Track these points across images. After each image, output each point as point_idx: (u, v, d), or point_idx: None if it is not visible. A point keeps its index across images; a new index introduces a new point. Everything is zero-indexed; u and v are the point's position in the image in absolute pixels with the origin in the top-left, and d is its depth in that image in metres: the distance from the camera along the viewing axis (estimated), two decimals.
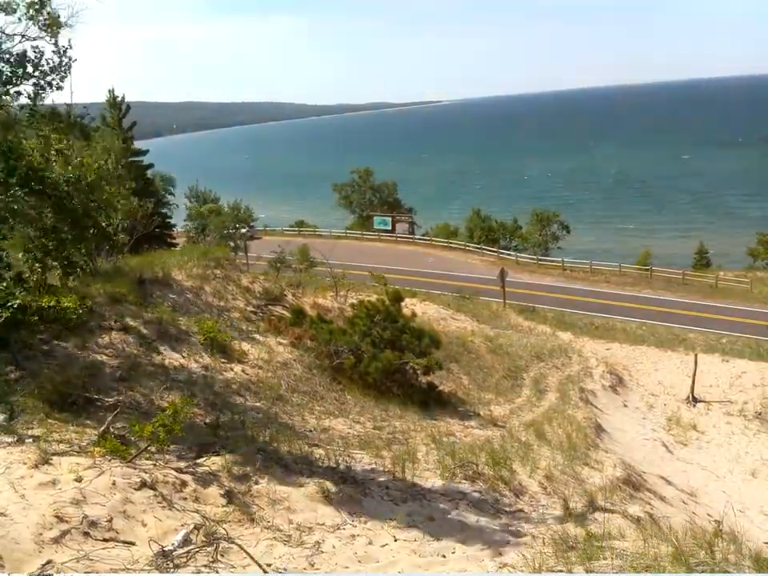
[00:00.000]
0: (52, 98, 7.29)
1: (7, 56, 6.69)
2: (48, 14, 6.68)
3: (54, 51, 6.83)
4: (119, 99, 34.17)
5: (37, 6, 6.61)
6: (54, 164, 7.07)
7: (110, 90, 34.14)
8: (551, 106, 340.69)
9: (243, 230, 39.32)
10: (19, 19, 6.61)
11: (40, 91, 6.93)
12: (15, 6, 6.57)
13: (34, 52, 6.78)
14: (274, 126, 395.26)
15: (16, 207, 6.78)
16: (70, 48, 6.94)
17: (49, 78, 6.88)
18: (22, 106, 7.17)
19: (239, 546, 3.97)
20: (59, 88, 7.01)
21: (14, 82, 6.77)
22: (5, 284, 6.90)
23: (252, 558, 3.86)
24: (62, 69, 6.90)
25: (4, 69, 6.67)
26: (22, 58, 6.71)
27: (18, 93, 6.92)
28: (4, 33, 6.68)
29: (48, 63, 6.84)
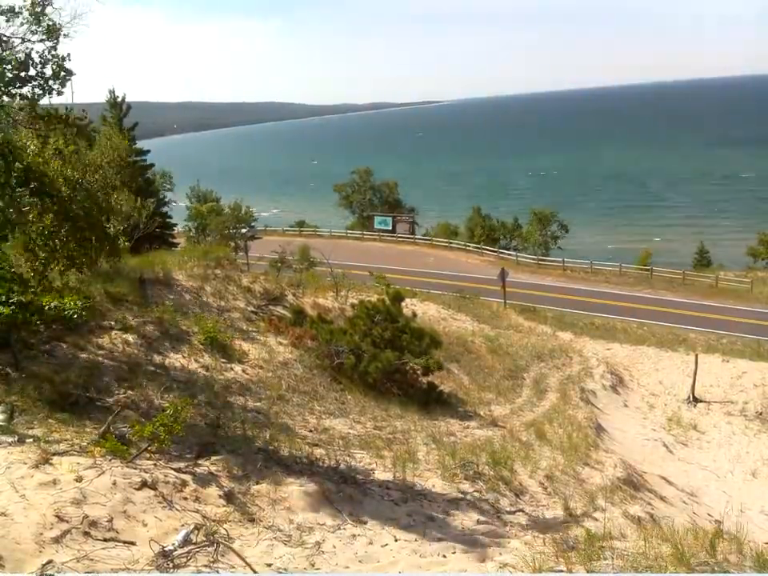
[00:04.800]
0: (51, 99, 7.28)
1: (9, 59, 6.68)
2: (49, 19, 6.67)
3: (53, 57, 6.81)
4: (119, 99, 34.14)
5: (39, 10, 6.60)
6: (52, 164, 7.07)
7: (110, 90, 34.11)
8: (552, 106, 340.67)
9: (244, 230, 39.30)
10: (21, 23, 6.60)
11: (40, 94, 6.92)
12: (18, 11, 6.56)
13: (37, 55, 6.78)
14: (274, 126, 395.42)
15: (15, 208, 6.78)
16: (69, 60, 6.94)
17: (50, 83, 6.88)
18: (21, 107, 7.16)
19: (233, 549, 3.95)
20: (59, 93, 7.00)
21: (17, 84, 6.76)
22: (5, 282, 6.90)
23: (245, 561, 3.84)
24: (62, 77, 6.89)
25: (5, 71, 6.66)
26: (26, 61, 6.70)
27: (21, 95, 6.91)
28: (5, 36, 6.68)
29: (49, 67, 6.83)
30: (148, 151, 35.38)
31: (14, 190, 6.71)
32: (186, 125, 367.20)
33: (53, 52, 6.83)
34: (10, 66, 6.62)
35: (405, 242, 49.33)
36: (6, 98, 6.87)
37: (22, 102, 7.04)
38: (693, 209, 75.26)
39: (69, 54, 6.94)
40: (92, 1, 7.12)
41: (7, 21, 6.56)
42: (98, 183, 7.81)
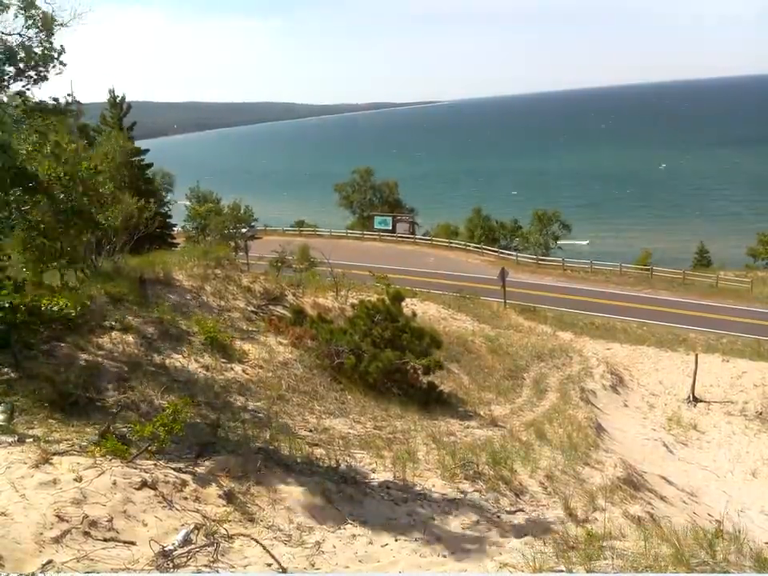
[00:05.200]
0: (44, 94, 7.30)
1: (1, 54, 6.68)
2: (42, 13, 6.67)
3: (46, 50, 6.81)
4: (119, 99, 34.17)
5: (30, 5, 6.60)
6: (44, 161, 7.06)
7: (110, 90, 34.14)
8: (552, 106, 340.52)
9: (244, 230, 39.27)
10: (15, 16, 6.60)
11: (32, 85, 6.92)
12: (8, 3, 6.56)
13: (30, 50, 6.77)
14: (275, 126, 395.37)
15: (14, 205, 6.78)
16: (64, 52, 6.94)
17: (41, 72, 6.88)
18: (15, 102, 7.16)
19: (256, 540, 4.00)
20: (45, 78, 7.00)
21: (8, 80, 6.76)
22: (6, 282, 6.89)
23: (270, 552, 3.89)
24: (54, 63, 6.89)
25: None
26: (14, 52, 6.69)
27: (23, 87, 6.91)
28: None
29: (42, 62, 6.83)
30: (147, 150, 35.40)
31: (8, 187, 6.71)
32: (186, 125, 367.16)
33: (44, 44, 6.83)
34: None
35: (405, 242, 49.32)
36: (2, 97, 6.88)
37: (15, 96, 7.04)
38: (693, 208, 75.26)
39: (62, 46, 6.94)
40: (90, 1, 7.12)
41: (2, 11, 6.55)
42: (95, 181, 7.80)
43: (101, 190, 8.15)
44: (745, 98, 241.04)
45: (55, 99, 7.55)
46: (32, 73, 6.84)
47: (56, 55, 6.88)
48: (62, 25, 6.70)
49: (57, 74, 6.96)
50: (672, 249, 54.17)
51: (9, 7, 6.54)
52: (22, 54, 6.71)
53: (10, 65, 6.68)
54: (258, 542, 4.12)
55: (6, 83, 6.76)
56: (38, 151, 7.00)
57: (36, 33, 6.67)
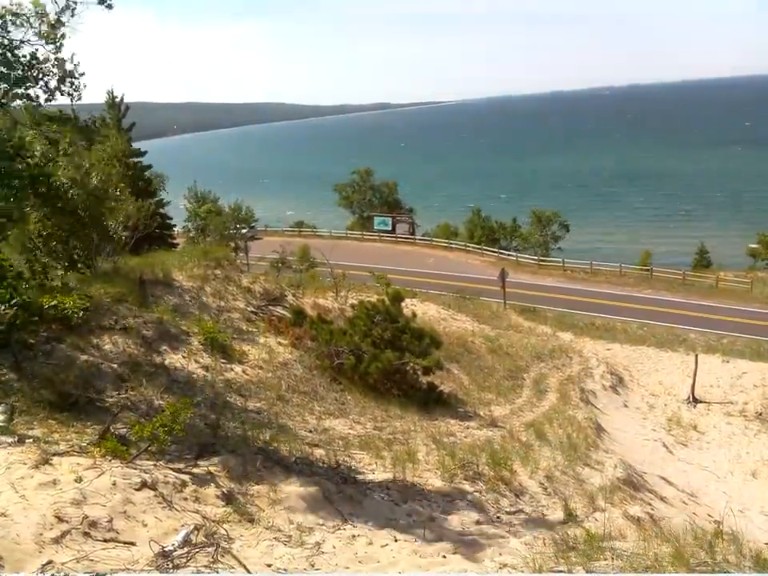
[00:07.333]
0: (55, 100, 7.28)
1: (13, 60, 6.68)
2: (51, 23, 6.67)
3: (55, 58, 6.82)
4: (118, 99, 34.09)
5: (42, 15, 6.59)
6: (59, 167, 7.07)
7: (108, 91, 34.03)
8: (552, 107, 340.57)
9: (244, 231, 39.30)
10: (22, 24, 6.60)
11: (46, 98, 6.93)
12: (21, 12, 6.56)
13: (39, 58, 6.78)
14: (274, 127, 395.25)
15: (18, 208, 6.79)
16: (72, 62, 6.94)
17: (56, 84, 6.88)
18: (26, 108, 7.17)
19: (232, 555, 3.96)
20: (70, 95, 7.00)
21: (20, 84, 6.77)
22: (6, 282, 6.89)
23: (242, 564, 3.85)
24: (72, 77, 6.89)
25: (10, 73, 6.66)
26: (30, 63, 6.70)
27: (27, 96, 6.91)
28: (7, 38, 6.67)
29: (54, 70, 6.84)
30: (146, 152, 35.35)
31: (18, 191, 6.72)
32: (186, 125, 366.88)
33: (57, 54, 6.82)
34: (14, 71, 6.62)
35: (404, 243, 49.32)
36: (8, 101, 6.87)
37: (27, 103, 7.04)
38: (693, 208, 75.27)
39: (73, 56, 6.94)
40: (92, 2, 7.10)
41: (13, 24, 6.55)
42: (101, 183, 7.83)
43: (110, 196, 8.19)
44: (748, 98, 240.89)
45: (73, 109, 7.55)
46: (47, 83, 6.85)
47: (72, 75, 6.88)
48: (62, 37, 6.70)
49: (69, 92, 6.96)
50: (671, 249, 54.12)
51: (21, 16, 6.53)
52: (39, 65, 6.72)
53: (25, 72, 6.69)
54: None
55: (20, 89, 6.76)
56: (50, 158, 7.00)
57: (44, 43, 6.68)
